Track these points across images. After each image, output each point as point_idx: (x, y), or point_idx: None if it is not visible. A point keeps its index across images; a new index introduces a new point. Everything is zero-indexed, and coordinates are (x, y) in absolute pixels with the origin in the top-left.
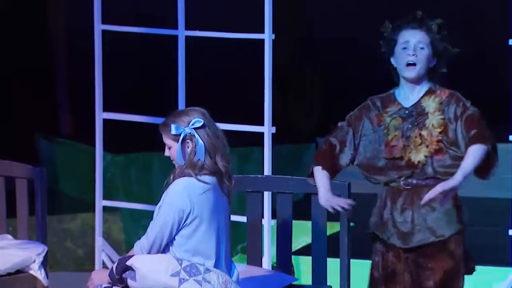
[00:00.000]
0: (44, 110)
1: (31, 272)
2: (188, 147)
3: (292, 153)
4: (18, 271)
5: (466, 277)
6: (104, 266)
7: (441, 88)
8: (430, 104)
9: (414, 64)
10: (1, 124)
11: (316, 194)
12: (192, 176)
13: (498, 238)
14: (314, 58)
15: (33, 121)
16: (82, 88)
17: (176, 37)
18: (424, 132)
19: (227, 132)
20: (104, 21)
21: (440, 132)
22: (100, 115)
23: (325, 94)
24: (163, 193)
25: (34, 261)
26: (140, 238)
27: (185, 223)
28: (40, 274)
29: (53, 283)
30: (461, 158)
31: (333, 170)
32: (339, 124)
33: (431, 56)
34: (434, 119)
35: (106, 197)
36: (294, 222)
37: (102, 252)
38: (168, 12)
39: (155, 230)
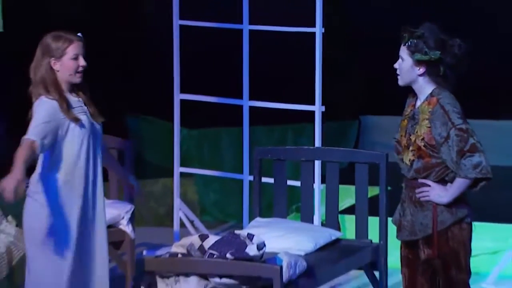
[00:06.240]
0: (132, 92)
1: (121, 227)
2: None
3: (338, 129)
4: (110, 226)
5: (486, 231)
6: (182, 222)
7: (434, 96)
8: (423, 111)
9: (398, 74)
10: (98, 104)
11: (360, 162)
12: None
13: None
14: (358, 49)
15: (123, 102)
16: (162, 73)
17: (241, 30)
18: (412, 137)
19: (284, 111)
20: (180, 17)
21: (422, 139)
22: (178, 96)
23: (367, 79)
24: None
25: (123, 218)
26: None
27: None
28: (128, 229)
29: (138, 236)
30: (439, 165)
31: None
32: None
33: (414, 65)
34: (421, 127)
35: (182, 164)
36: (340, 186)
37: (180, 211)
38: (235, 9)
39: None
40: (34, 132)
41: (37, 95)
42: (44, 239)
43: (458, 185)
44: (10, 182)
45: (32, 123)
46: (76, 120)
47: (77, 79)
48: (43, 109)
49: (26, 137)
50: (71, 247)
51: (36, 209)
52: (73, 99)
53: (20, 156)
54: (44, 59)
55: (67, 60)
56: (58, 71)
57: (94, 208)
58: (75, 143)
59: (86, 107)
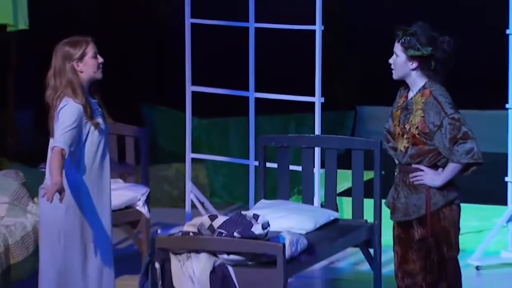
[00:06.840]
0: (147, 84)
1: (137, 208)
2: None
3: (337, 118)
4: (127, 207)
5: (472, 211)
6: (193, 204)
7: (427, 88)
8: (416, 102)
9: (393, 69)
10: (118, 96)
11: (356, 149)
12: None
13: (497, 184)
14: (355, 45)
15: (139, 93)
16: (175, 67)
17: (247, 28)
18: (407, 126)
19: (287, 102)
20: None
21: (417, 127)
22: (189, 88)
23: (363, 73)
24: None
25: (139, 199)
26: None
27: None
28: (143, 209)
29: (153, 216)
30: (432, 151)
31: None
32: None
33: (407, 60)
34: (415, 117)
35: (194, 151)
36: (338, 171)
37: (191, 193)
38: (241, 7)
39: None
40: (61, 140)
41: (62, 97)
42: (58, 236)
43: (450, 170)
44: (51, 188)
45: (59, 127)
46: (97, 126)
47: (100, 74)
48: (71, 114)
49: (55, 145)
50: (83, 241)
51: (53, 205)
52: (92, 101)
53: (55, 165)
54: (67, 64)
55: (88, 59)
56: (82, 72)
57: (105, 202)
58: (93, 146)
59: (100, 109)
